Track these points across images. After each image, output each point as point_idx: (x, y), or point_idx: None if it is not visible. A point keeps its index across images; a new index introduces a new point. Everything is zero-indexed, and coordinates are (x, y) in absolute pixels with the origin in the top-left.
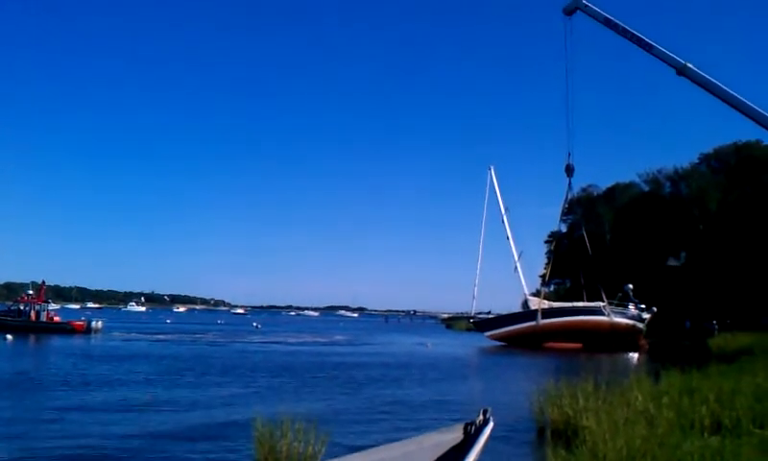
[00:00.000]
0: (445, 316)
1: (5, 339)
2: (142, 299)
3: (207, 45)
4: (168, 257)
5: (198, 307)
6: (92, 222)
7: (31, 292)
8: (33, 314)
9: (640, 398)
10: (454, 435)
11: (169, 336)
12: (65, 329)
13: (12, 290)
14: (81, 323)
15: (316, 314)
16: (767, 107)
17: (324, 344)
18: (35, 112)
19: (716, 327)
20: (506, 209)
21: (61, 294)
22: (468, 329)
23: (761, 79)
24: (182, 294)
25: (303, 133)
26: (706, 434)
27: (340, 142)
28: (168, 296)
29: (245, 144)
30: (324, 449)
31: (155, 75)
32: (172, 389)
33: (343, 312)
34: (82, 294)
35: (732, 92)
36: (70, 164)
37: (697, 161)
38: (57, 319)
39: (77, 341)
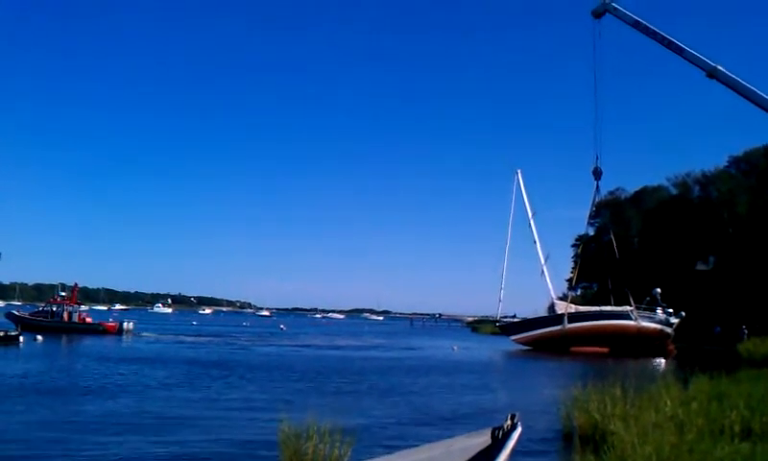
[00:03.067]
0: (470, 319)
1: (35, 339)
2: (169, 300)
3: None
4: (195, 259)
5: (224, 309)
6: (119, 223)
7: (63, 294)
8: (65, 315)
9: (669, 403)
10: (482, 439)
11: (197, 339)
12: (98, 330)
13: (42, 291)
14: (113, 324)
15: (341, 317)
16: None
17: (351, 348)
18: (52, 112)
19: (746, 332)
20: (533, 213)
21: (89, 295)
22: (494, 333)
23: None
24: (209, 296)
25: (332, 134)
26: (736, 440)
27: (373, 146)
28: (194, 298)
29: (275, 143)
30: (349, 453)
31: (171, 75)
32: (200, 391)
33: (368, 315)
34: (109, 295)
35: (762, 94)
36: (96, 166)
37: (726, 164)
38: (89, 320)
39: (109, 342)
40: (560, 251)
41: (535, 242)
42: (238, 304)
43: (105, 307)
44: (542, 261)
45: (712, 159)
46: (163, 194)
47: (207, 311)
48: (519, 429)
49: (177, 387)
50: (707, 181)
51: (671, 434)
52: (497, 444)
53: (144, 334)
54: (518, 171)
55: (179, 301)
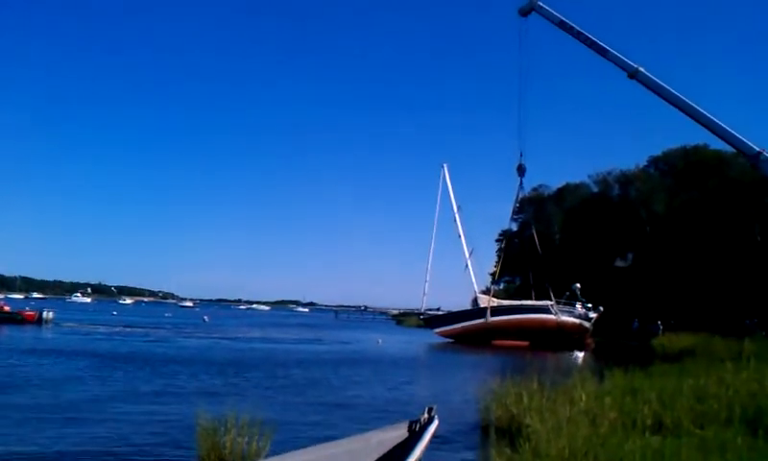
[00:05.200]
0: (395, 312)
1: None
2: (89, 290)
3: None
4: (116, 249)
5: (146, 300)
6: (39, 210)
7: None
8: None
9: (584, 397)
10: (399, 433)
11: (117, 330)
12: (16, 319)
13: None
14: (32, 313)
15: (267, 308)
16: (715, 111)
17: (274, 340)
18: None
19: (661, 327)
20: (458, 207)
21: (5, 283)
22: (419, 326)
23: (712, 85)
24: (130, 286)
25: (258, 125)
26: (647, 434)
27: (301, 138)
28: (115, 287)
29: (205, 133)
30: (268, 446)
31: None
32: (115, 384)
33: (293, 307)
34: (26, 284)
35: (681, 96)
36: (9, 154)
37: (646, 164)
38: (6, 308)
39: (28, 332)
40: (484, 245)
41: (459, 236)
42: (160, 295)
43: (21, 296)
44: (467, 255)
45: (633, 159)
46: (85, 182)
47: (128, 301)
48: (436, 422)
49: (92, 379)
50: (626, 180)
51: (585, 427)
52: (414, 436)
53: (66, 324)
54: (444, 165)
55: (99, 290)
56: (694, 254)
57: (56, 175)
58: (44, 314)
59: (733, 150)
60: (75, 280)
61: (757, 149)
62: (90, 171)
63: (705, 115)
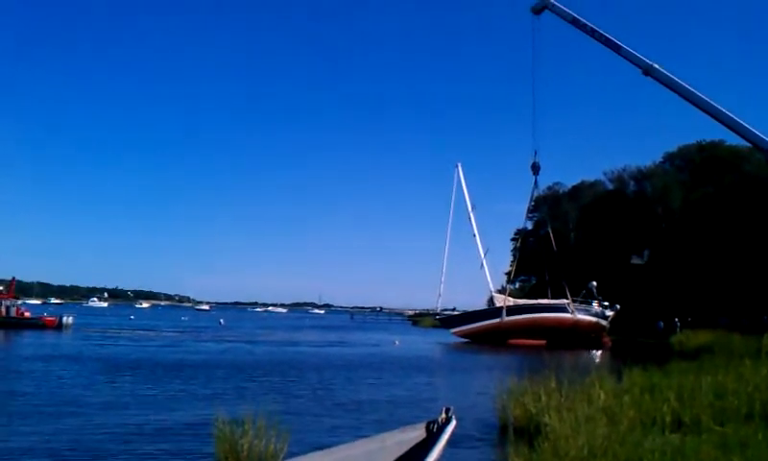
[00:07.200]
0: (411, 313)
1: None
2: (105, 294)
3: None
4: (132, 253)
5: (162, 303)
6: (55, 215)
7: (0, 288)
8: (2, 310)
9: (602, 395)
10: (417, 433)
11: (136, 333)
12: (37, 325)
13: None
14: (52, 319)
15: (283, 311)
16: (732, 107)
17: (292, 343)
18: None
19: (678, 324)
20: (473, 207)
21: (23, 289)
22: (434, 326)
23: (728, 82)
24: (146, 290)
25: (272, 130)
26: (667, 432)
27: (307, 135)
28: (132, 292)
29: (214, 135)
30: (285, 447)
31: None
32: (138, 387)
33: (309, 309)
34: (44, 289)
35: (696, 92)
36: (25, 160)
37: (661, 160)
38: (27, 314)
39: (49, 337)
40: (499, 244)
41: (474, 236)
42: (177, 299)
43: (39, 302)
44: (482, 255)
45: (649, 155)
46: (100, 187)
47: (145, 305)
48: (454, 423)
49: (111, 384)
50: (642, 176)
51: (604, 426)
52: (432, 437)
53: (86, 329)
54: (458, 165)
55: (115, 295)
56: (711, 250)
57: (71, 180)
58: (64, 320)
59: (749, 145)
60: (91, 285)
61: None
62: (106, 175)
63: (720, 110)
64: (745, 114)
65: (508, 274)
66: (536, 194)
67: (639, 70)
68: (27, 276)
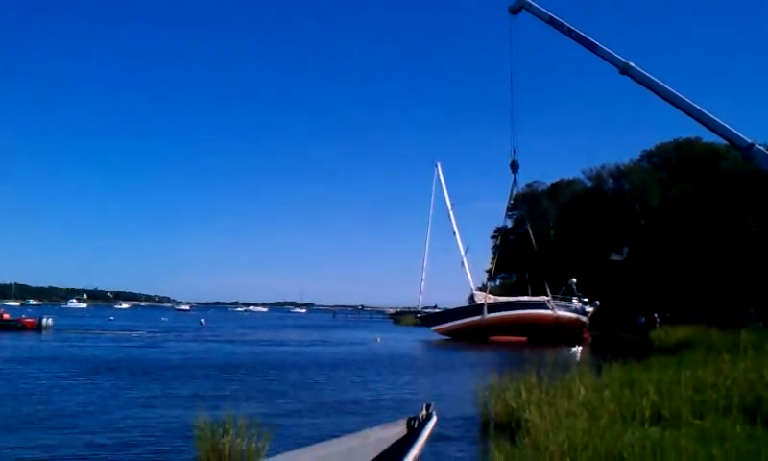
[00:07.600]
0: (392, 311)
1: None
2: (84, 296)
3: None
4: (111, 254)
5: (142, 304)
6: (33, 217)
7: None
8: None
9: (582, 390)
10: (398, 430)
11: (114, 334)
12: (16, 327)
13: None
14: (31, 320)
15: (264, 310)
16: (706, 104)
17: (273, 342)
18: None
19: (658, 320)
20: (452, 205)
21: (0, 291)
22: (416, 324)
23: (703, 79)
24: (126, 290)
25: (256, 130)
26: (646, 425)
27: (286, 137)
28: (111, 292)
29: (195, 141)
30: (267, 446)
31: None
32: (118, 389)
33: (291, 308)
34: (21, 291)
35: (673, 90)
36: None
37: (639, 158)
38: (6, 316)
39: (29, 339)
40: (480, 242)
41: (454, 233)
42: (157, 299)
43: (17, 303)
44: (462, 253)
45: (627, 153)
46: (79, 188)
47: (125, 306)
48: (435, 419)
49: (90, 386)
50: (620, 174)
51: (584, 420)
52: (413, 433)
53: (65, 331)
54: (438, 164)
55: (95, 296)
56: (689, 246)
57: (50, 181)
58: (44, 321)
59: (726, 142)
60: (70, 286)
61: (749, 141)
62: (85, 177)
63: (696, 108)
64: (721, 112)
65: (488, 271)
66: (515, 192)
67: (617, 69)
68: (4, 277)
